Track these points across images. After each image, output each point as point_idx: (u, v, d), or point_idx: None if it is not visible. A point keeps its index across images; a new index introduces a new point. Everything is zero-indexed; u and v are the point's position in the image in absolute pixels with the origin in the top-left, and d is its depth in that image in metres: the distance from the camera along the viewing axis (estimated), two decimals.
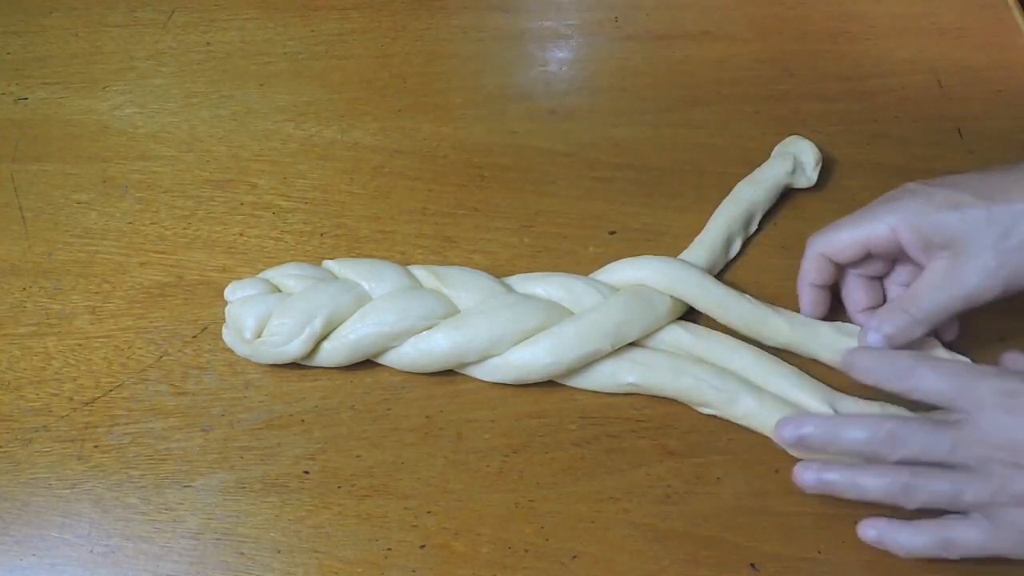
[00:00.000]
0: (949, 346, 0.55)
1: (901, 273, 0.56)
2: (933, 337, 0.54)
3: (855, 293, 0.56)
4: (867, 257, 0.54)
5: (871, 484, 0.47)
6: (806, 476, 0.48)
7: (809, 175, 0.63)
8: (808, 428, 0.48)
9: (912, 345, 0.53)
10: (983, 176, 0.52)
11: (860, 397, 0.53)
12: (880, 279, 0.57)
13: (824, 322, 0.56)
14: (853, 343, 0.54)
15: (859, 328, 0.54)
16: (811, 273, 0.56)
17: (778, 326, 0.55)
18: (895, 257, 0.55)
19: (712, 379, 0.53)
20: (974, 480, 0.45)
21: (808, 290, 0.56)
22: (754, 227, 0.62)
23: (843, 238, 0.54)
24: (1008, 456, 0.44)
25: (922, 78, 0.72)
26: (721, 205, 0.62)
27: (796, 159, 0.63)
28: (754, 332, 0.56)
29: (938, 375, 0.47)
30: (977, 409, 0.45)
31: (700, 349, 0.55)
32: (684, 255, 0.59)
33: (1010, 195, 0.49)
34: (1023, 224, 0.49)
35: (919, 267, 0.53)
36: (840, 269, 0.56)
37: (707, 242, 0.60)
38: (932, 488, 0.46)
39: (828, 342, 0.55)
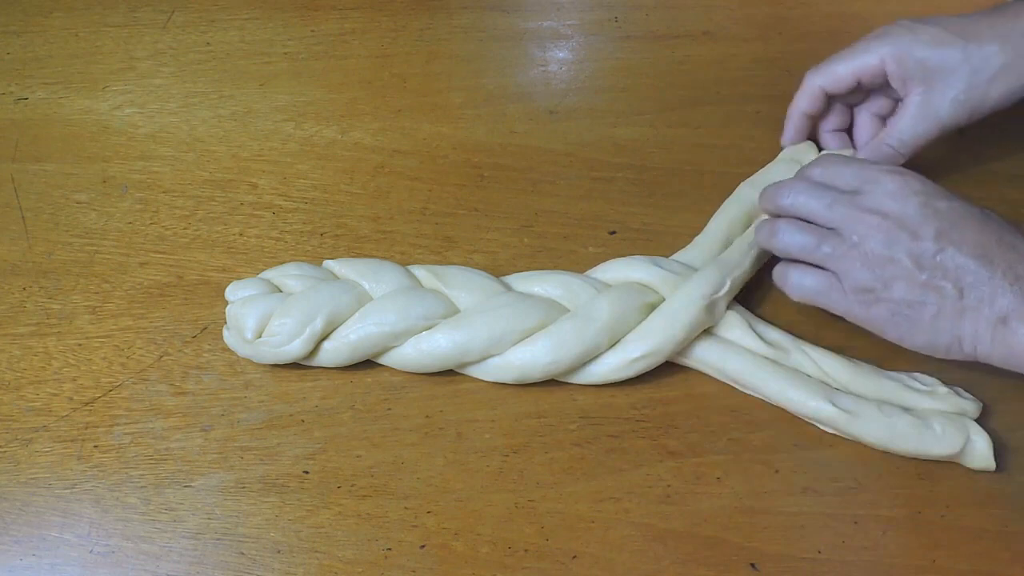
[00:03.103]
0: None
1: (874, 103, 0.65)
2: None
3: (830, 116, 0.65)
4: (855, 88, 0.62)
5: (759, 229, 0.56)
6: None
7: None
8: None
9: None
10: (966, 18, 0.59)
11: (856, 395, 0.53)
12: (851, 106, 0.66)
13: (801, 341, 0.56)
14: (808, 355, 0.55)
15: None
16: (804, 103, 0.64)
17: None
18: (876, 88, 0.63)
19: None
20: (835, 237, 0.52)
21: (798, 119, 0.64)
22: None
23: (840, 70, 0.62)
24: (873, 219, 0.51)
25: None
26: (722, 206, 0.62)
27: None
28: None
29: (846, 163, 0.55)
30: (865, 183, 0.53)
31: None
32: (681, 255, 0.59)
33: (982, 37, 0.58)
34: (991, 63, 0.58)
35: (890, 98, 0.63)
36: (829, 101, 0.64)
37: (705, 243, 0.60)
38: (796, 236, 0.53)
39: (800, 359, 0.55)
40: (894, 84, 0.60)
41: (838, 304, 0.52)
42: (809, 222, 0.54)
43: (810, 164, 0.57)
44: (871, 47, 0.60)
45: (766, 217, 0.57)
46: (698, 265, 0.58)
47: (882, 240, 0.50)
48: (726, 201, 0.62)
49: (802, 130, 0.65)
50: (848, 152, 0.64)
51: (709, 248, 0.59)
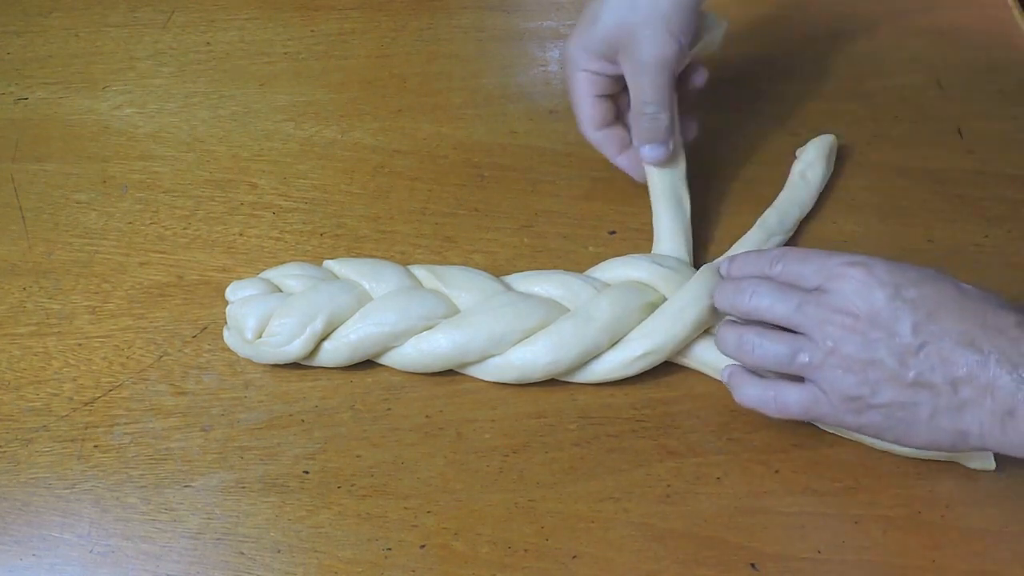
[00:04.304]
0: None
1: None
2: None
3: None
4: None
5: (722, 337, 0.51)
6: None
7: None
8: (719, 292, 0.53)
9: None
10: None
11: None
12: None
13: None
14: None
15: None
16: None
17: None
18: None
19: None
20: (808, 343, 0.48)
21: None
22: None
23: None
24: (845, 320, 0.46)
25: (922, 78, 0.72)
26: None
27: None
28: None
29: (804, 258, 0.50)
30: (828, 280, 0.48)
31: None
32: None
33: None
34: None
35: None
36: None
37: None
38: (768, 347, 0.49)
39: None
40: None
41: (828, 416, 0.48)
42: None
43: (770, 257, 0.51)
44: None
45: (728, 319, 0.53)
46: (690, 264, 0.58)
47: (858, 342, 0.46)
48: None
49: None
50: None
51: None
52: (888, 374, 0.46)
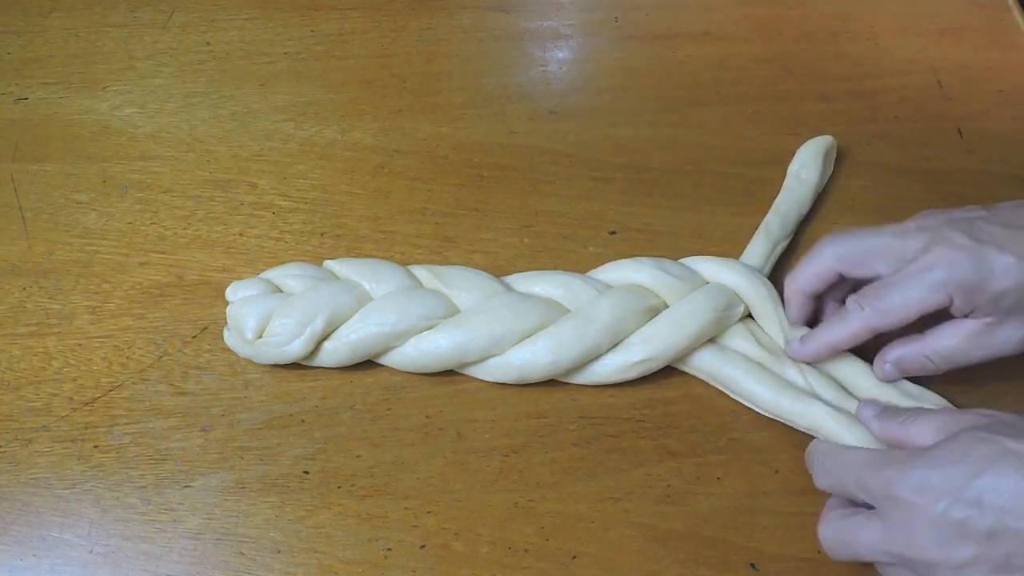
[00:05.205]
0: None
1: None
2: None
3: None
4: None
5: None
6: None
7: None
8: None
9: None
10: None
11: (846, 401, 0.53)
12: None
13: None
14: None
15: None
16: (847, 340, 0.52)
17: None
18: None
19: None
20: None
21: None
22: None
23: (896, 303, 0.50)
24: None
25: (922, 78, 0.72)
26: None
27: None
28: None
29: (852, 487, 0.46)
30: (886, 501, 0.44)
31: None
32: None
33: None
34: None
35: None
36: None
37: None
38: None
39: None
40: (955, 313, 0.50)
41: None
42: None
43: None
44: (935, 278, 0.49)
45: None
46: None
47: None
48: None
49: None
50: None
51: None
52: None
